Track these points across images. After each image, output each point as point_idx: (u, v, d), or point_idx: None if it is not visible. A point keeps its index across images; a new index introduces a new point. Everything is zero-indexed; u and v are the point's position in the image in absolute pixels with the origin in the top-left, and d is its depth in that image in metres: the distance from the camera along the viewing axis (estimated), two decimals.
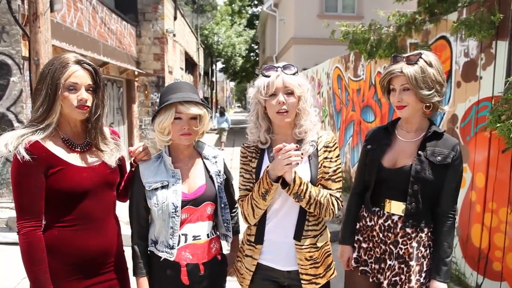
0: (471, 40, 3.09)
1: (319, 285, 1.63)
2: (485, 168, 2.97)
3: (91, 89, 1.51)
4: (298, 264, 1.60)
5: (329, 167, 1.61)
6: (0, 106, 4.90)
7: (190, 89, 1.65)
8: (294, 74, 1.56)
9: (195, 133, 1.63)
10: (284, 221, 1.61)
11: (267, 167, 1.53)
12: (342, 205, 1.64)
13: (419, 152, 1.65)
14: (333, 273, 1.70)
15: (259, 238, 1.62)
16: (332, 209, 1.58)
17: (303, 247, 1.60)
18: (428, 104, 1.64)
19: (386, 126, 1.83)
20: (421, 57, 1.62)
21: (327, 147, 1.63)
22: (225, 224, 1.74)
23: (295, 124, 1.61)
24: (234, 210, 1.85)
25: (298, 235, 1.59)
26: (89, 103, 1.49)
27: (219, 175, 1.73)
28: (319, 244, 1.63)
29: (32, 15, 3.92)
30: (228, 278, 1.82)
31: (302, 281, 1.60)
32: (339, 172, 1.64)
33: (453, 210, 1.69)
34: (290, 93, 1.54)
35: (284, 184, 1.51)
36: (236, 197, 1.79)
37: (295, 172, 1.50)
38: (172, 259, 1.62)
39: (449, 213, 1.68)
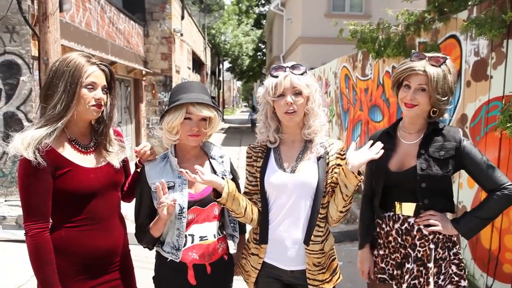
0: (482, 39, 3.05)
1: None
2: None
3: (105, 89, 1.53)
4: (306, 269, 1.60)
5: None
6: (10, 105, 4.96)
7: (202, 90, 1.65)
8: (302, 74, 1.56)
9: (203, 134, 1.63)
10: (289, 223, 1.60)
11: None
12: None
13: (421, 151, 1.65)
14: (339, 277, 1.69)
15: (264, 238, 1.63)
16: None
17: (312, 252, 1.59)
18: (435, 109, 1.63)
19: (387, 130, 1.80)
20: (445, 62, 1.59)
21: (340, 154, 1.63)
22: (232, 224, 1.74)
23: (304, 124, 1.61)
24: None
25: (307, 240, 1.59)
26: (103, 103, 1.51)
27: (225, 175, 1.72)
28: (325, 249, 1.63)
29: (42, 15, 3.96)
30: (235, 277, 1.82)
31: (310, 287, 1.60)
32: None
33: (503, 183, 1.59)
34: (298, 93, 1.54)
35: (217, 195, 1.54)
36: None
37: (227, 182, 1.54)
38: (177, 260, 1.62)
39: (499, 188, 1.59)
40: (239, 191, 1.81)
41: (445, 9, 3.93)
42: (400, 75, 1.65)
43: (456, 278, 1.65)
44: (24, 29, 4.83)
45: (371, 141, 1.56)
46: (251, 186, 1.67)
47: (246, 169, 1.69)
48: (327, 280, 1.63)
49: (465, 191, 3.29)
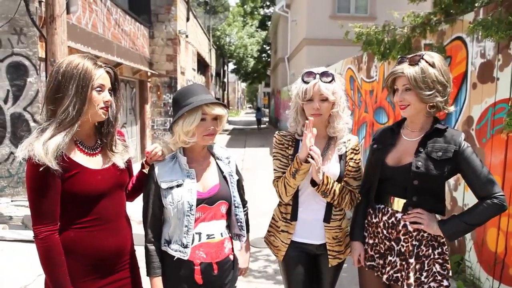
0: (488, 41, 3.04)
1: (341, 260, 1.93)
2: (501, 171, 2.91)
3: (110, 91, 1.54)
4: (326, 242, 1.88)
5: (353, 167, 1.88)
6: (17, 106, 5.00)
7: (206, 90, 1.70)
8: (330, 81, 1.76)
9: (216, 133, 1.68)
10: (315, 204, 1.86)
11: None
12: (359, 199, 1.89)
13: (419, 148, 1.70)
14: (350, 250, 1.93)
15: (294, 216, 1.88)
16: (351, 203, 1.86)
17: (330, 228, 1.87)
18: (432, 104, 1.67)
19: (392, 127, 1.88)
20: (422, 58, 1.65)
21: (354, 149, 1.90)
22: (239, 224, 1.76)
23: (328, 123, 1.85)
24: (244, 209, 1.87)
25: (327, 219, 1.86)
26: (109, 105, 1.53)
27: (232, 175, 1.76)
28: (343, 226, 1.91)
29: (49, 17, 4.00)
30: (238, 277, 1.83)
31: (329, 256, 1.89)
32: (360, 172, 1.90)
33: (494, 192, 1.62)
34: (325, 99, 1.76)
35: (314, 184, 1.75)
36: (247, 197, 1.92)
37: (323, 173, 1.75)
38: (186, 258, 1.62)
39: (490, 196, 1.62)
40: (243, 192, 1.88)
41: (451, 11, 3.91)
42: (388, 80, 1.76)
43: (439, 277, 1.71)
44: (31, 30, 4.87)
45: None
46: (287, 168, 1.85)
47: (279, 153, 1.90)
48: (342, 252, 1.91)
49: (471, 194, 3.26)
